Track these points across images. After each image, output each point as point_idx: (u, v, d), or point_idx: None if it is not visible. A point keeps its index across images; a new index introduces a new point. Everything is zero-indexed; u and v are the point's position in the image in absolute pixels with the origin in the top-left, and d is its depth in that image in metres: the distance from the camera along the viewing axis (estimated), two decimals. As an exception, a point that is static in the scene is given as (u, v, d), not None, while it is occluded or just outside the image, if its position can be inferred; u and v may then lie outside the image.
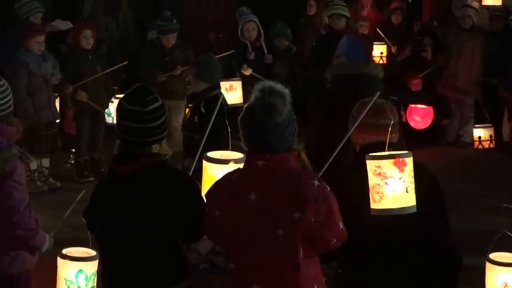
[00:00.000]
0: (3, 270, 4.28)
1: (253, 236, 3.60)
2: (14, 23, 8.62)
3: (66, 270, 4.21)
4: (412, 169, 4.09)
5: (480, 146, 9.75)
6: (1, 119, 4.18)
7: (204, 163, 4.54)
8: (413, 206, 4.12)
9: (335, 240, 3.63)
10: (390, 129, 4.29)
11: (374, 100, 4.37)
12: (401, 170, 4.09)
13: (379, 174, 4.05)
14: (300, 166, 3.72)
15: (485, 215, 7.31)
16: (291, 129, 3.63)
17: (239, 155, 4.49)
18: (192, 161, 5.01)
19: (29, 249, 4.31)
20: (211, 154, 4.64)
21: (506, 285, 5.13)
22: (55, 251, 4.88)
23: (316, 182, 3.58)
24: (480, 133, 9.77)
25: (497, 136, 9.81)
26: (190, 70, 6.48)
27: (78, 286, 4.20)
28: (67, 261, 4.21)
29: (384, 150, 4.24)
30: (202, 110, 6.32)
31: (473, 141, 9.82)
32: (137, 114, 3.70)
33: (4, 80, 4.25)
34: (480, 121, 9.91)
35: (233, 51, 8.78)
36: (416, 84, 9.87)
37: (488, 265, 5.19)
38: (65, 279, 4.21)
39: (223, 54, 8.60)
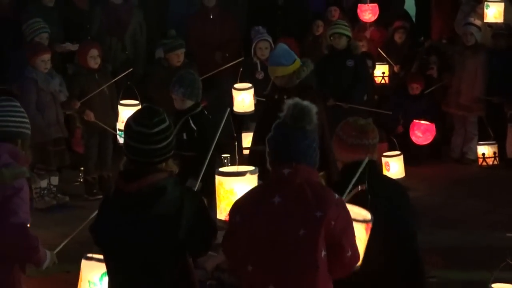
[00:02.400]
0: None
1: (274, 237, 3.63)
2: (21, 46, 8.67)
3: (91, 273, 4.20)
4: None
5: (484, 163, 9.72)
6: (12, 137, 4.19)
7: (219, 178, 4.53)
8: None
9: (350, 252, 3.66)
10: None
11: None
12: (367, 233, 4.11)
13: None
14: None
15: (490, 231, 7.29)
16: (316, 145, 3.72)
17: (251, 167, 4.49)
18: (194, 182, 5.00)
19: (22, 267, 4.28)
20: (223, 169, 4.64)
21: (508, 315, 5.14)
22: (61, 268, 4.90)
23: (336, 195, 3.67)
24: (484, 150, 9.74)
25: (501, 153, 9.76)
26: (176, 90, 6.43)
27: None
28: (92, 263, 4.19)
29: (364, 168, 4.34)
30: (193, 126, 6.33)
31: (477, 158, 9.78)
32: (143, 136, 3.69)
33: (14, 101, 4.29)
34: (484, 138, 9.85)
35: (242, 58, 8.87)
36: (414, 88, 9.80)
37: None
38: (89, 281, 4.21)
39: (233, 62, 8.75)
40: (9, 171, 4.04)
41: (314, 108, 3.72)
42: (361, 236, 4.12)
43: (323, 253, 3.58)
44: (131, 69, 8.53)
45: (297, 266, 3.61)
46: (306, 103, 3.70)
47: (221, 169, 4.62)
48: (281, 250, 3.61)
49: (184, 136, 6.31)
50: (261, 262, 3.70)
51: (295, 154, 3.68)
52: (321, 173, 3.86)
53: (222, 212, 4.49)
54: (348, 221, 3.65)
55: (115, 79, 8.41)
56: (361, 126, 4.63)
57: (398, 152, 6.82)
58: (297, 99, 3.73)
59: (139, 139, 3.70)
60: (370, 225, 4.13)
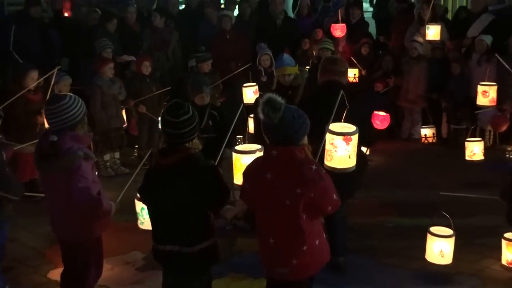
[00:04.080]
0: (81, 235, 4.29)
1: (268, 204, 3.62)
2: (91, 57, 8.70)
3: (137, 207, 4.75)
4: (357, 141, 4.14)
5: (426, 141, 9.72)
6: (72, 127, 4.17)
7: (236, 155, 4.53)
8: (352, 166, 4.16)
9: (330, 207, 3.63)
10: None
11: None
12: (348, 144, 4.10)
13: (332, 144, 4.11)
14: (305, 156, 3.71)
15: (429, 190, 7.29)
16: (288, 129, 3.57)
17: (259, 146, 4.48)
18: (229, 151, 4.98)
19: (98, 218, 4.30)
20: (239, 148, 4.63)
21: (441, 251, 5.17)
22: (122, 218, 4.93)
23: (314, 167, 3.58)
24: (426, 131, 9.74)
25: (438, 134, 9.77)
26: (207, 90, 6.40)
27: (143, 218, 4.70)
28: (136, 202, 4.72)
29: (335, 88, 4.67)
30: (214, 113, 6.34)
31: (421, 137, 9.79)
32: (172, 123, 3.73)
33: (68, 98, 4.19)
34: (425, 123, 9.86)
35: (249, 64, 8.86)
36: (378, 87, 9.85)
37: (429, 236, 5.23)
38: (137, 213, 4.76)
39: (242, 67, 8.74)
40: (67, 159, 4.04)
41: (276, 106, 3.52)
42: (342, 145, 4.11)
43: (304, 216, 3.57)
44: (170, 87, 8.58)
45: (287, 227, 3.62)
46: (267, 107, 3.52)
47: (237, 148, 4.63)
48: (274, 214, 3.62)
49: (210, 123, 6.30)
50: (262, 221, 3.72)
51: (279, 140, 3.60)
52: (306, 142, 3.74)
53: (239, 178, 4.50)
54: (325, 189, 3.58)
55: (159, 91, 8.47)
56: (334, 58, 5.27)
57: None
58: (264, 99, 3.56)
59: (169, 126, 3.73)
60: (348, 136, 4.10)
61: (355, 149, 4.20)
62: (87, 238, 4.28)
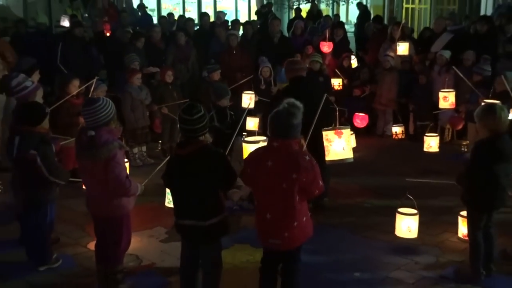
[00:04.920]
0: (114, 211, 4.29)
1: (268, 186, 3.62)
2: (124, 69, 8.66)
3: (167, 190, 4.72)
4: (349, 136, 4.13)
5: (396, 137, 9.66)
6: (107, 123, 4.17)
7: (245, 144, 4.58)
8: (349, 158, 4.15)
9: (317, 191, 3.66)
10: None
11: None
12: (340, 137, 4.09)
13: (327, 139, 4.10)
14: (300, 148, 3.77)
15: (399, 176, 7.19)
16: (297, 126, 3.64)
17: (263, 138, 4.52)
18: (239, 139, 5.00)
19: (126, 198, 4.30)
20: (247, 139, 4.66)
21: (409, 227, 5.17)
22: (147, 200, 4.91)
23: (307, 157, 3.62)
24: (396, 129, 9.68)
25: (406, 131, 9.71)
26: (226, 96, 6.34)
27: (170, 198, 4.60)
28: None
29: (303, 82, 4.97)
30: (231, 113, 6.31)
31: (392, 134, 9.72)
32: (187, 120, 3.75)
33: (102, 100, 4.21)
34: (396, 122, 9.81)
35: (252, 76, 8.75)
36: (356, 92, 9.85)
37: (397, 215, 5.22)
38: (167, 194, 4.72)
39: (244, 80, 8.61)
40: (106, 149, 4.06)
41: (300, 108, 3.63)
42: (335, 139, 4.08)
43: (297, 198, 3.58)
44: (189, 98, 8.29)
45: (283, 206, 3.63)
46: (295, 109, 3.60)
47: (245, 139, 4.66)
48: (273, 194, 3.63)
49: (229, 121, 6.28)
50: (261, 200, 3.72)
51: (282, 133, 3.62)
52: (302, 136, 3.77)
53: None
54: (315, 176, 3.60)
55: (180, 102, 8.25)
56: (295, 61, 5.64)
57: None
58: (291, 103, 3.62)
59: (185, 123, 3.73)
60: (338, 130, 4.08)
61: (349, 143, 4.22)
62: (118, 214, 4.29)
